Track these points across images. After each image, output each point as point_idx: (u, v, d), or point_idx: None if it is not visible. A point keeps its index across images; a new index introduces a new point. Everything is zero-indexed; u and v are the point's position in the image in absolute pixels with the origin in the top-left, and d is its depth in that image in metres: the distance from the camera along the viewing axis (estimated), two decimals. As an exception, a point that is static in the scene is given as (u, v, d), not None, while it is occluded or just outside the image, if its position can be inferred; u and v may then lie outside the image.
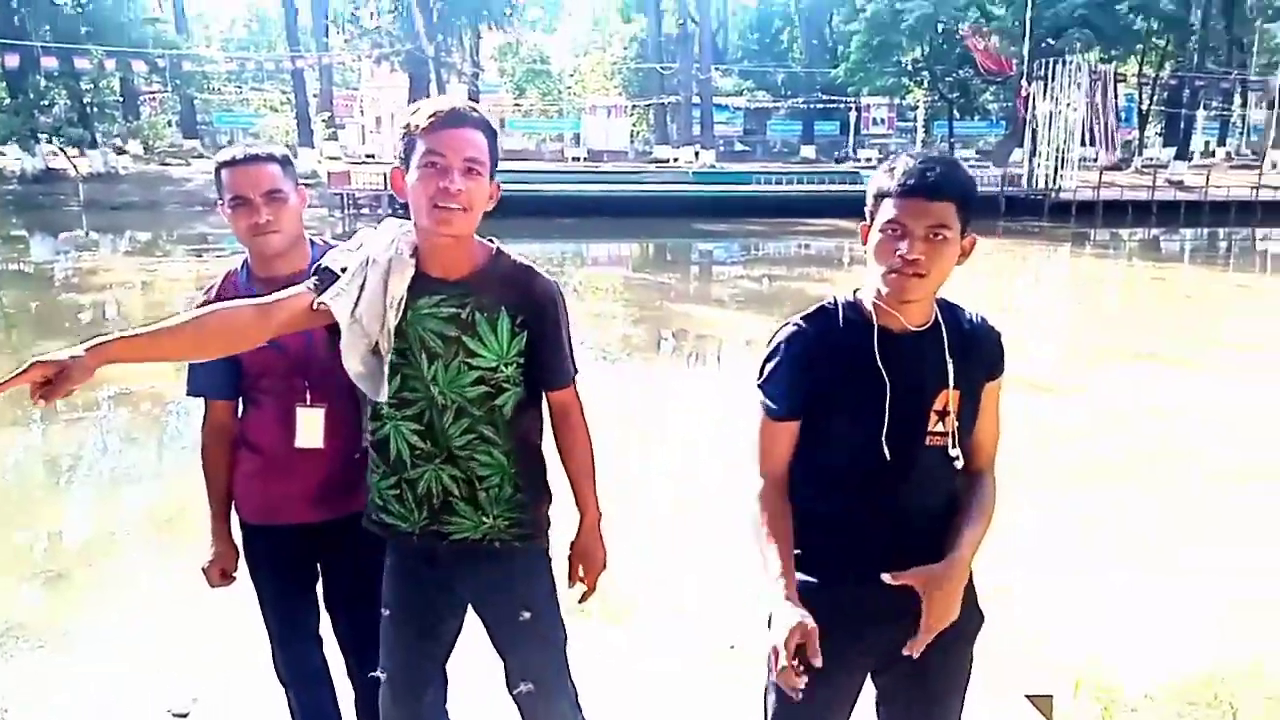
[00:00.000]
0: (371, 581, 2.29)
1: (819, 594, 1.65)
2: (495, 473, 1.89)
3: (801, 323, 1.72)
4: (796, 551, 1.68)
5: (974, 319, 1.76)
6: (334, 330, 1.83)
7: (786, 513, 1.70)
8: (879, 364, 1.64)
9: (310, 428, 2.19)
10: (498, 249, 1.90)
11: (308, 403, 2.18)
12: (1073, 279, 18.59)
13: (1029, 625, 3.82)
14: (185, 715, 2.84)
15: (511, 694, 1.98)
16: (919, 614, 1.62)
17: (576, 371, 1.96)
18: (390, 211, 26.50)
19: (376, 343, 1.81)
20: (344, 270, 1.81)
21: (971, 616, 1.76)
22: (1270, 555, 4.62)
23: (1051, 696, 3.03)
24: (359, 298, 1.78)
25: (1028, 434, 6.98)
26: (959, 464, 1.69)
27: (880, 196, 1.64)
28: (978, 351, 1.73)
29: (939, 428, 1.67)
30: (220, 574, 2.31)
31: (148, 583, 4.29)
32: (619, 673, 3.28)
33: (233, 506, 2.32)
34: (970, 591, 1.74)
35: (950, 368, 1.67)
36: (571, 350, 1.94)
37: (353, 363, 1.82)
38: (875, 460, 1.66)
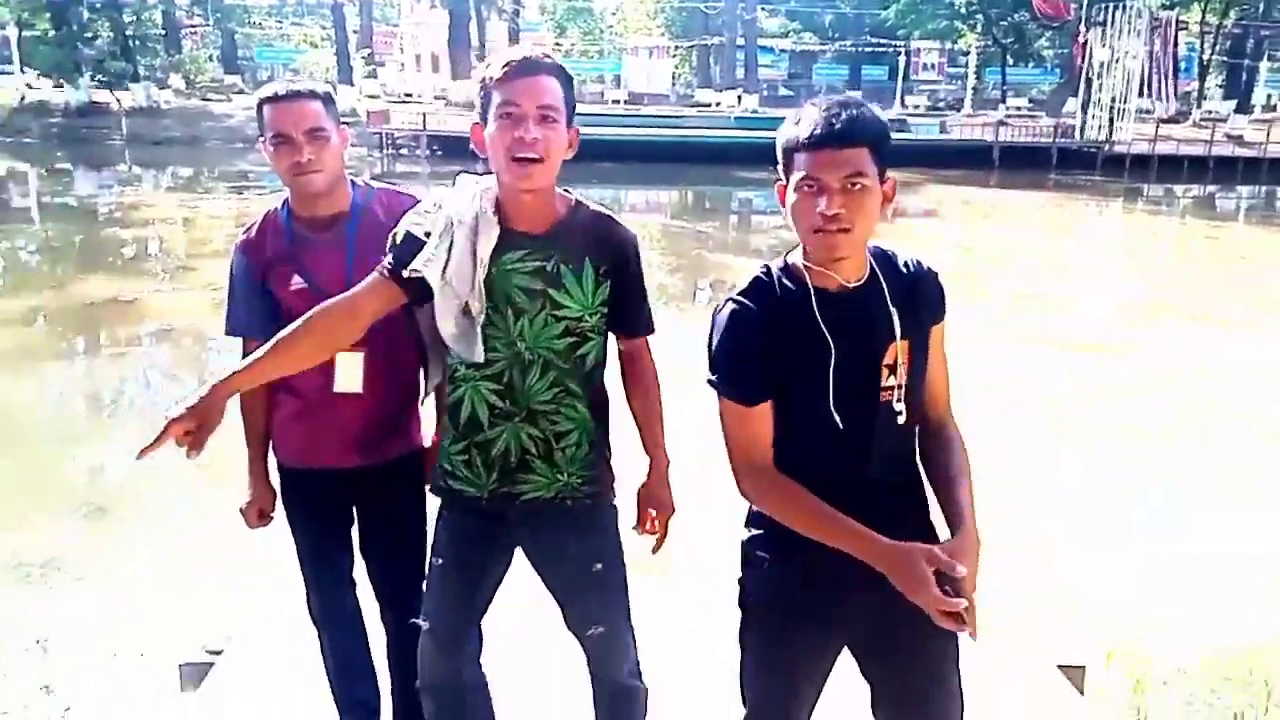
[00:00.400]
0: (405, 530, 2.32)
1: (797, 554, 1.63)
2: (576, 427, 1.91)
3: (740, 299, 1.64)
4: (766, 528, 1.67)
5: (911, 263, 1.68)
6: (414, 298, 1.83)
7: (798, 488, 1.62)
8: (821, 328, 1.58)
9: (349, 371, 2.16)
10: (576, 200, 1.89)
11: (346, 347, 2.13)
12: (1124, 236, 18.12)
13: (1066, 589, 3.77)
14: (219, 652, 2.88)
15: (580, 636, 2.04)
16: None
17: (651, 325, 2.00)
18: (429, 152, 26.46)
19: (466, 303, 1.81)
20: (426, 235, 1.80)
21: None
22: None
23: (1084, 668, 2.97)
24: (448, 260, 1.78)
25: (1077, 391, 6.87)
26: (901, 419, 1.62)
27: (790, 151, 1.55)
28: (920, 296, 1.65)
29: (889, 382, 1.61)
30: (258, 515, 2.31)
31: (186, 521, 4.36)
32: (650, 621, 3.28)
33: (270, 448, 2.32)
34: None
35: (895, 318, 1.60)
36: (646, 301, 1.98)
37: (447, 326, 1.82)
38: (832, 428, 1.60)
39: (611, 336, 1.97)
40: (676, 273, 12.65)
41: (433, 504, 2.19)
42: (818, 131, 1.50)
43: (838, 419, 1.60)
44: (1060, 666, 2.90)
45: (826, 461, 1.64)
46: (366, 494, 2.31)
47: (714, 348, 1.65)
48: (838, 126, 1.49)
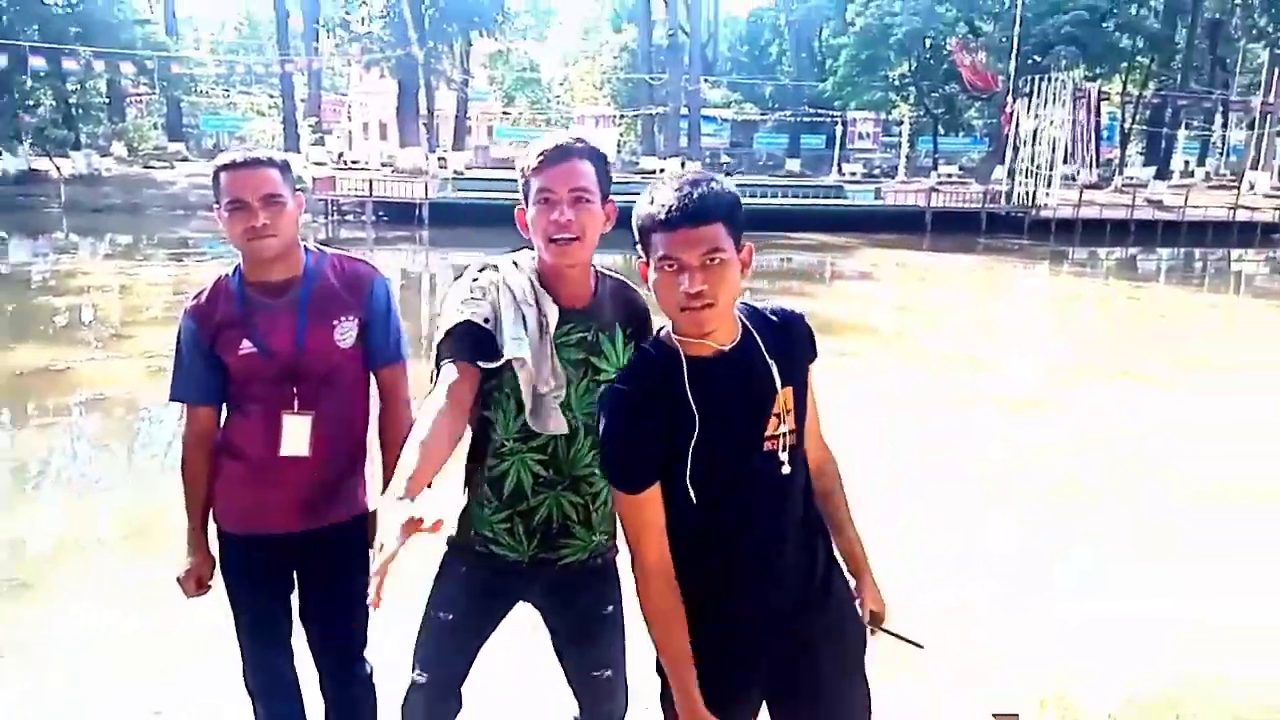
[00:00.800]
0: (350, 595, 2.26)
1: (714, 614, 1.67)
2: (604, 487, 1.98)
3: (620, 383, 1.66)
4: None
5: (777, 312, 1.73)
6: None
7: (679, 610, 1.63)
8: (689, 399, 1.59)
9: (296, 435, 2.16)
10: (597, 270, 2.00)
11: (295, 410, 2.16)
12: (1050, 297, 18.74)
13: (997, 643, 3.86)
14: (146, 727, 2.83)
15: (585, 679, 2.11)
16: (806, 619, 1.71)
17: None
18: (375, 218, 26.48)
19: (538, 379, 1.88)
20: (485, 320, 1.85)
21: (861, 640, 1.82)
22: (1237, 574, 4.69)
23: (1017, 715, 3.06)
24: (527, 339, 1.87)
25: (1007, 452, 7.06)
26: (785, 470, 1.64)
27: (646, 231, 1.57)
28: (792, 340, 1.70)
29: (779, 430, 1.64)
30: (197, 583, 2.27)
31: (113, 594, 4.28)
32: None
33: (210, 515, 2.29)
34: (855, 613, 1.82)
35: (775, 369, 1.64)
36: None
37: (530, 400, 1.88)
38: (707, 493, 1.62)
39: None
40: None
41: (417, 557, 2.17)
42: (672, 213, 1.52)
43: (691, 492, 1.60)
44: (995, 715, 2.99)
45: (713, 537, 1.65)
46: (309, 558, 2.29)
47: (600, 435, 1.64)
48: (690, 206, 1.51)
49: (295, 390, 2.16)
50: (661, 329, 1.70)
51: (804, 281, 18.97)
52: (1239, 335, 14.23)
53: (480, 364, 1.82)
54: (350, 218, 26.08)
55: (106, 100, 35.78)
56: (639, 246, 1.60)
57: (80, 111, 32.88)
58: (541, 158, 1.84)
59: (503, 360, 1.82)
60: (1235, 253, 26.54)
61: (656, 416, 1.60)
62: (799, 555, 1.71)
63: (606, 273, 2.03)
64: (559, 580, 2.03)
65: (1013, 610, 4.24)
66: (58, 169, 29.21)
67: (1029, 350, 12.16)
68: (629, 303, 2.03)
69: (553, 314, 1.89)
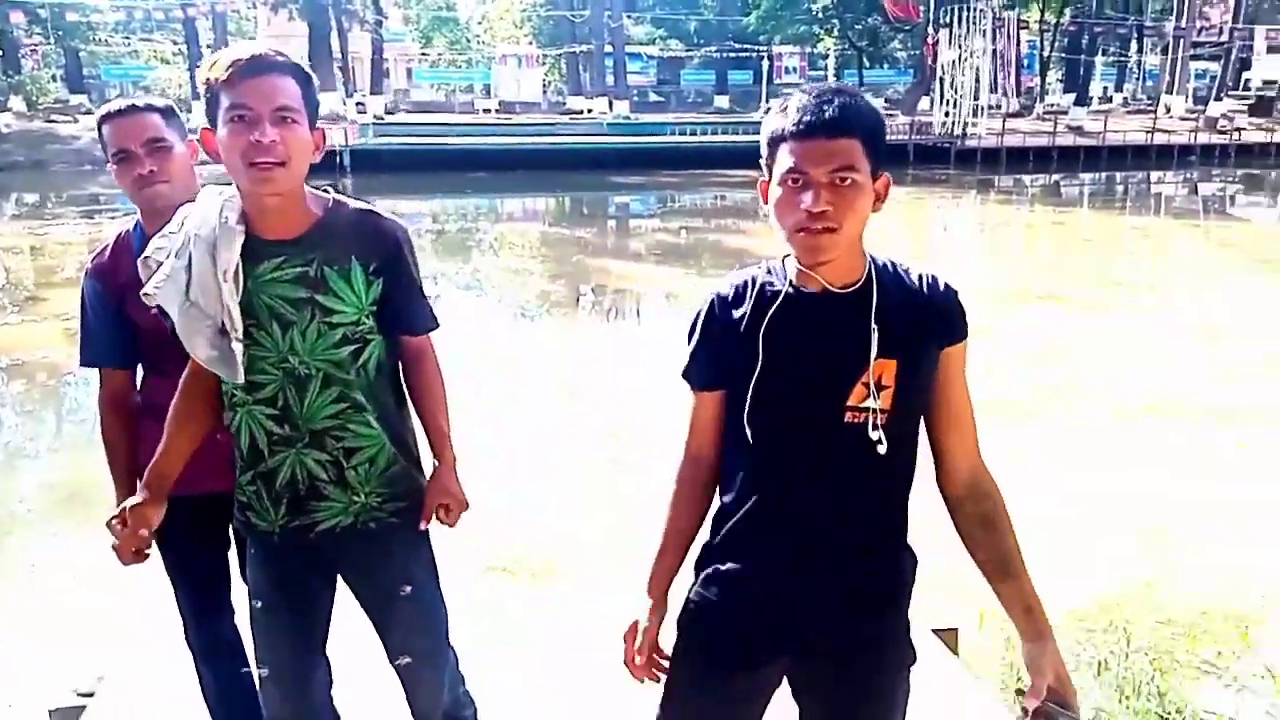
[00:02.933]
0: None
1: (735, 584, 1.54)
2: (370, 444, 1.76)
3: (716, 291, 1.55)
4: (719, 535, 1.56)
5: (926, 278, 1.50)
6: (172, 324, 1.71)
7: (690, 496, 1.59)
8: (758, 335, 1.45)
9: None
10: (334, 199, 1.76)
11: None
12: (978, 225, 19.09)
13: (935, 559, 3.95)
14: (90, 695, 2.74)
15: (393, 664, 1.92)
16: (847, 605, 1.52)
17: (435, 319, 1.85)
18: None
19: (223, 322, 1.66)
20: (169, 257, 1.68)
21: (909, 651, 1.60)
22: (1165, 484, 4.88)
23: (956, 630, 3.10)
24: (189, 280, 1.65)
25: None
26: (881, 448, 1.44)
27: (775, 142, 1.41)
28: (922, 314, 1.47)
29: (868, 403, 1.44)
30: (134, 554, 2.15)
31: (49, 561, 4.13)
32: (538, 633, 3.30)
33: (137, 480, 2.18)
34: (906, 624, 1.61)
35: (875, 334, 1.42)
36: (424, 295, 1.85)
37: (200, 349, 1.68)
38: (763, 445, 1.48)
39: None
40: (558, 279, 12.65)
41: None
42: (808, 118, 1.36)
43: (749, 433, 1.47)
44: (934, 630, 3.02)
45: (768, 486, 1.50)
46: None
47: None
48: (828, 114, 1.35)
49: None
50: (787, 255, 1.51)
51: (739, 219, 18.97)
52: (1161, 256, 14.68)
53: (143, 292, 1.69)
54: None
55: (1, 52, 33.74)
56: (763, 163, 1.44)
57: (-30, 64, 30.95)
58: (233, 68, 1.56)
59: (144, 294, 1.67)
60: (1154, 175, 27.31)
61: (727, 336, 1.49)
62: (865, 549, 1.52)
63: (343, 200, 1.77)
64: (339, 549, 1.82)
65: (946, 529, 4.35)
66: (-50, 127, 27.55)
67: (958, 277, 12.36)
68: (371, 231, 1.73)
69: (230, 249, 1.64)
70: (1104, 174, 27.66)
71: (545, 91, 42.82)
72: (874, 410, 1.44)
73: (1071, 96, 37.93)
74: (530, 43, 44.50)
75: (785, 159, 1.38)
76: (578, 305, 11.01)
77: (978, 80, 29.51)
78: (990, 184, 25.64)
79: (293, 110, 1.59)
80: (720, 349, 1.51)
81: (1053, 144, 29.33)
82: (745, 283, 1.52)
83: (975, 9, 29.69)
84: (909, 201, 21.36)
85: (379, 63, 39.34)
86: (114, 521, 1.82)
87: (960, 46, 29.64)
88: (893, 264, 1.52)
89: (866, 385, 1.43)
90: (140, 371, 2.19)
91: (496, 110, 37.33)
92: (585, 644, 2.79)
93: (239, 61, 1.57)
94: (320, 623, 1.92)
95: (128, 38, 43.73)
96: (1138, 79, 49.78)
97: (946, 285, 1.51)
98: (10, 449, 5.95)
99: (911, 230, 17.94)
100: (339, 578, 1.92)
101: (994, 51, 29.91)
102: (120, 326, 2.08)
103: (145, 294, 1.69)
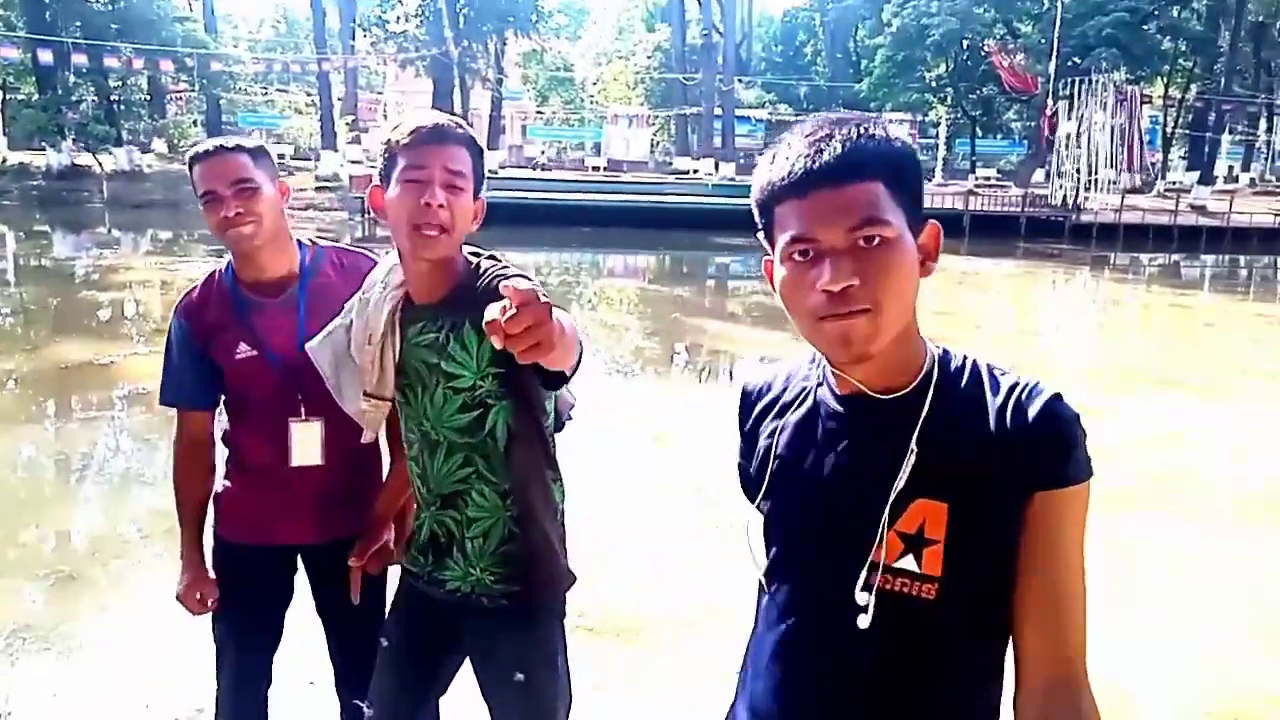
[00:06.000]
0: (371, 608, 2.13)
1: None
2: (486, 516, 1.72)
3: (745, 383, 1.27)
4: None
5: (1016, 388, 1.04)
6: None
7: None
8: (774, 449, 1.13)
9: (307, 443, 2.03)
10: (477, 261, 1.73)
11: (303, 416, 2.02)
12: (1093, 303, 18.44)
13: None
14: (188, 726, 2.82)
15: None
16: None
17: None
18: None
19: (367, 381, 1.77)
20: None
21: None
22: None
23: None
24: (348, 340, 1.77)
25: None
26: (864, 619, 1.03)
27: (768, 205, 1.06)
28: (1004, 438, 1.01)
29: (903, 563, 1.03)
30: (199, 601, 2.14)
31: (156, 587, 4.27)
32: (625, 694, 3.25)
33: (209, 521, 2.19)
34: None
35: (912, 457, 1.03)
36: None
37: (349, 402, 1.80)
38: (773, 609, 1.16)
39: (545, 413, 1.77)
40: (653, 336, 12.71)
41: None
42: (801, 166, 1.00)
43: (762, 581, 1.17)
44: None
45: (771, 662, 1.15)
46: (323, 571, 2.17)
47: None
48: (827, 155, 0.99)
49: (301, 394, 2.01)
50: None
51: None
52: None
53: (306, 346, 1.89)
54: (386, 215, 26.22)
55: (148, 97, 36.36)
56: (761, 234, 1.09)
57: (122, 108, 33.46)
58: (415, 134, 1.63)
59: (305, 349, 1.83)
60: (1282, 260, 26.02)
61: (751, 439, 1.21)
62: None
63: (484, 260, 1.73)
64: (465, 618, 1.79)
65: None
66: (100, 164, 29.68)
67: (1072, 356, 11.97)
68: (489, 292, 1.57)
69: (379, 313, 1.71)
70: (1228, 256, 26.48)
71: (653, 151, 43.71)
72: (916, 577, 1.03)
73: (1195, 174, 36.64)
74: (642, 104, 45.56)
75: (786, 224, 1.03)
76: (672, 363, 11.03)
77: (1096, 154, 28.78)
78: (1106, 261, 24.82)
79: (463, 178, 1.65)
80: (746, 457, 1.23)
81: (1174, 222, 28.29)
82: (777, 375, 1.23)
83: (1096, 81, 29.11)
84: (1019, 275, 20.88)
85: (497, 119, 40.90)
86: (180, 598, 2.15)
87: (1079, 119, 29.02)
88: (974, 363, 1.09)
89: (901, 535, 1.03)
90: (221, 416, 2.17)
91: (605, 168, 38.21)
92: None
93: (422, 128, 1.64)
94: (438, 681, 1.91)
95: (265, 88, 46.63)
96: (1267, 159, 47.80)
97: (1052, 400, 1.02)
98: (129, 474, 6.22)
99: (1022, 305, 17.47)
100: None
101: (1114, 125, 29.18)
102: (203, 368, 2.06)
103: (308, 348, 1.84)
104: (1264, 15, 38.47)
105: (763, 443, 1.16)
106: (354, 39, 38.37)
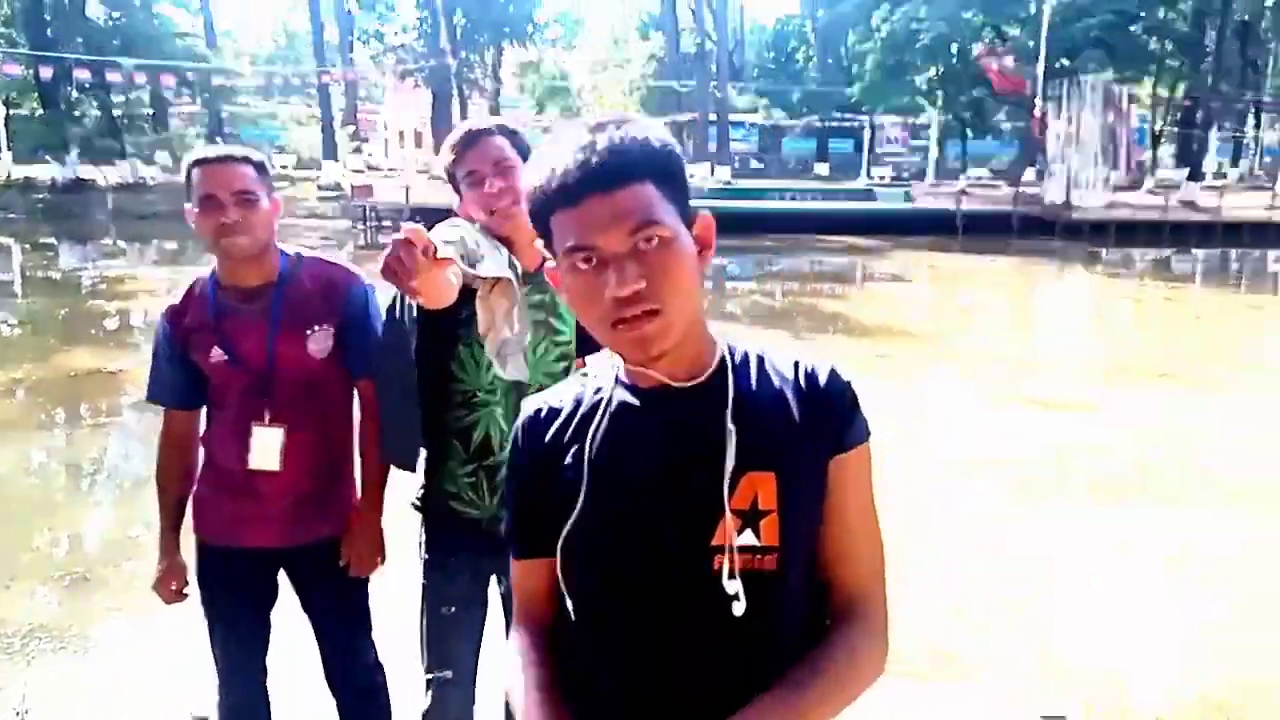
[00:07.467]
0: (351, 608, 2.25)
1: None
2: None
3: (533, 407, 1.21)
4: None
5: (799, 365, 1.14)
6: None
7: (530, 675, 1.14)
8: (584, 455, 1.11)
9: (266, 448, 2.07)
10: None
11: (265, 421, 2.08)
12: (1085, 299, 18.64)
13: (1044, 645, 3.86)
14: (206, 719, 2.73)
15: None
16: None
17: None
18: (410, 218, 26.56)
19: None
20: (462, 257, 1.69)
21: None
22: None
23: (1064, 718, 3.09)
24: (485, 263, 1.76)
25: (1042, 450, 7.04)
26: (739, 606, 1.02)
27: (541, 215, 1.05)
28: (803, 409, 1.10)
29: (745, 539, 1.05)
30: (173, 592, 2.22)
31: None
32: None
33: (180, 520, 2.25)
34: None
35: (733, 434, 1.06)
36: None
37: (501, 333, 1.72)
38: (600, 616, 1.12)
39: None
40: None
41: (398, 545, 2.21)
42: (573, 177, 1.01)
43: (569, 604, 1.12)
44: (1043, 718, 3.05)
45: (606, 663, 1.12)
46: (301, 574, 2.24)
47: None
48: (595, 161, 1.00)
49: (266, 401, 2.08)
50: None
51: (835, 283, 19.02)
52: (1278, 337, 14.12)
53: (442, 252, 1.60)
54: (388, 224, 26.43)
55: (150, 111, 36.53)
56: (540, 242, 1.10)
57: (125, 122, 33.65)
58: (456, 147, 1.96)
59: (491, 273, 1.72)
60: (1272, 254, 26.20)
61: (546, 466, 1.15)
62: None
63: None
64: None
65: (1059, 612, 4.22)
66: (104, 177, 29.92)
67: (1064, 351, 12.15)
68: None
69: (518, 263, 1.87)
70: (1218, 250, 26.70)
71: (649, 157, 43.81)
72: (755, 552, 1.05)
73: (1184, 171, 36.89)
74: (638, 110, 45.84)
75: (565, 234, 1.03)
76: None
77: (1085, 153, 29.03)
78: (1098, 257, 25.01)
79: (509, 159, 1.95)
80: (541, 495, 1.14)
81: (1164, 218, 28.50)
82: (569, 395, 1.18)
83: (1084, 82, 29.37)
84: (1012, 272, 21.09)
85: (493, 127, 41.07)
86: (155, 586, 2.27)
87: (1068, 119, 29.28)
88: (754, 350, 1.17)
89: (736, 513, 1.04)
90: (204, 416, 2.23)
91: (601, 174, 38.31)
92: None
93: (458, 140, 1.98)
94: (483, 631, 2.08)
95: (267, 101, 46.85)
96: (1255, 155, 48.04)
97: (834, 373, 1.13)
98: (139, 478, 6.06)
99: (1015, 302, 17.69)
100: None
101: (1102, 125, 29.43)
102: (184, 368, 2.14)
103: (499, 276, 1.72)
104: (1249, 15, 38.75)
105: (568, 461, 1.12)
106: (353, 52, 38.68)
